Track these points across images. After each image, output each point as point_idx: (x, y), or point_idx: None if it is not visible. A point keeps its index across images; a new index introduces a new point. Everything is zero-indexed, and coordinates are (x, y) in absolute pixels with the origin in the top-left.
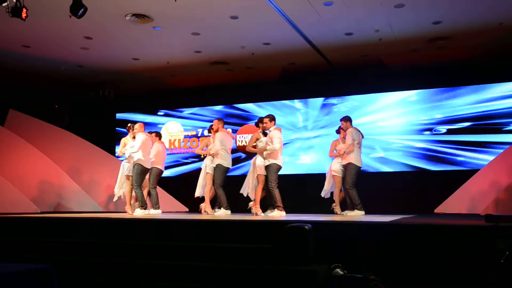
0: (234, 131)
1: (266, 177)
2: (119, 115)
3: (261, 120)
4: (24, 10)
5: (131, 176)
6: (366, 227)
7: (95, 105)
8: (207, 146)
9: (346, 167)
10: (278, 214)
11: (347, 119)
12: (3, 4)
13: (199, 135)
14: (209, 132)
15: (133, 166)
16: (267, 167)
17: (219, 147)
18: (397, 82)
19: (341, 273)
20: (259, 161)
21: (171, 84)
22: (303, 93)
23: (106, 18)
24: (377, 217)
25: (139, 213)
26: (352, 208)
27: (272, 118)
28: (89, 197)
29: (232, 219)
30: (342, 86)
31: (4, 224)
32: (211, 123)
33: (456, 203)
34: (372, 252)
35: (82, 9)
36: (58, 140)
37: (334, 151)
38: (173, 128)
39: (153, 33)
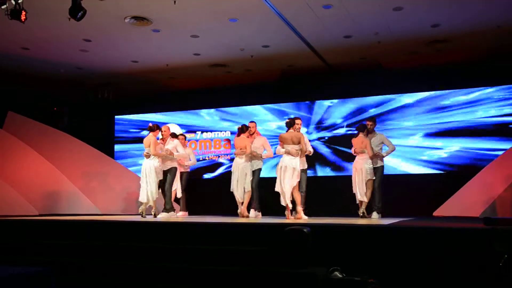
0: (233, 133)
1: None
2: (118, 118)
3: (293, 121)
4: (23, 13)
5: (161, 180)
6: (365, 230)
7: (94, 107)
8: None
9: (377, 169)
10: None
11: (375, 121)
12: (2, 7)
13: (197, 137)
14: (241, 132)
15: (169, 169)
16: (302, 171)
17: (271, 151)
18: (396, 85)
19: (340, 276)
20: (297, 165)
21: (170, 87)
22: (302, 96)
23: (105, 21)
24: (376, 220)
25: (163, 215)
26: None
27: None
28: (88, 199)
29: (231, 222)
30: (341, 89)
31: (3, 226)
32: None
33: (455, 206)
34: (371, 255)
35: (81, 12)
36: (57, 142)
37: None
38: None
39: (152, 36)
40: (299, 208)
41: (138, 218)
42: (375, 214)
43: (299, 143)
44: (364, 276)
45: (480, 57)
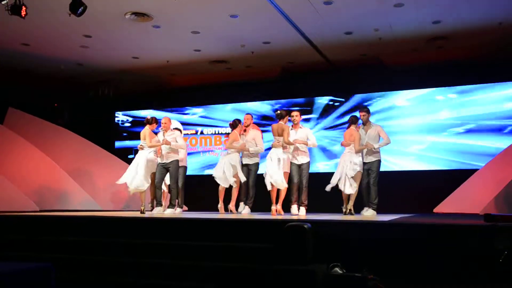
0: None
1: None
2: (118, 114)
3: (287, 113)
4: (24, 8)
5: (156, 173)
6: (365, 226)
7: (95, 103)
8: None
9: (372, 164)
10: (304, 213)
11: (368, 111)
12: (3, 2)
13: (198, 133)
14: (233, 128)
15: (171, 162)
16: (303, 165)
17: (262, 146)
18: (396, 81)
19: (340, 272)
20: (282, 156)
21: (170, 83)
22: (303, 92)
23: (105, 17)
24: (377, 216)
25: (169, 211)
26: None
27: (300, 112)
28: (88, 196)
29: (232, 218)
30: (341, 86)
31: (3, 222)
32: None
33: (455, 203)
34: (371, 252)
35: (82, 8)
36: (58, 138)
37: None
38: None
39: (152, 32)
40: (278, 205)
41: (137, 215)
42: (370, 211)
43: (282, 135)
44: (365, 272)
45: (481, 54)
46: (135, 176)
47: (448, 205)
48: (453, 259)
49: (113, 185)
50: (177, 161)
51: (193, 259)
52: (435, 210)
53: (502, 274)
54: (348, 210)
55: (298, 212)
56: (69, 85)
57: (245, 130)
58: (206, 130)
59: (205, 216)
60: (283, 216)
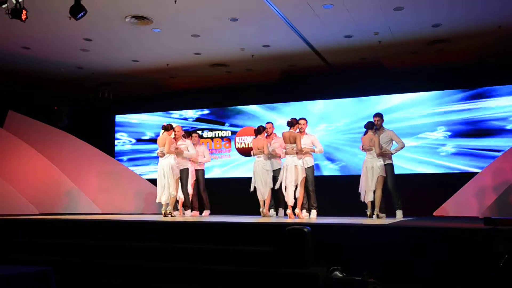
0: (234, 133)
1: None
2: (118, 117)
3: (296, 121)
4: (24, 12)
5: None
6: (365, 229)
7: (95, 106)
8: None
9: (386, 167)
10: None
11: (382, 117)
12: (3, 6)
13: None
14: (257, 134)
15: (182, 170)
16: (308, 169)
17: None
18: (397, 84)
19: (340, 275)
20: (298, 162)
21: (170, 86)
22: (303, 96)
23: (105, 20)
24: (376, 219)
25: (189, 214)
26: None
27: (306, 120)
28: (88, 199)
29: (232, 222)
30: (341, 89)
31: (3, 225)
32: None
33: (455, 206)
34: (371, 255)
35: (83, 12)
36: (57, 141)
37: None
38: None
39: (152, 35)
40: (297, 210)
41: (137, 218)
42: (399, 213)
43: (294, 142)
44: (365, 276)
45: (481, 58)
46: (168, 189)
47: (448, 208)
48: (452, 262)
49: (113, 188)
50: (187, 169)
51: (195, 262)
52: (435, 213)
53: (502, 278)
54: (375, 215)
55: (309, 216)
56: (69, 88)
57: (267, 138)
58: (206, 134)
59: (207, 220)
60: (282, 219)
